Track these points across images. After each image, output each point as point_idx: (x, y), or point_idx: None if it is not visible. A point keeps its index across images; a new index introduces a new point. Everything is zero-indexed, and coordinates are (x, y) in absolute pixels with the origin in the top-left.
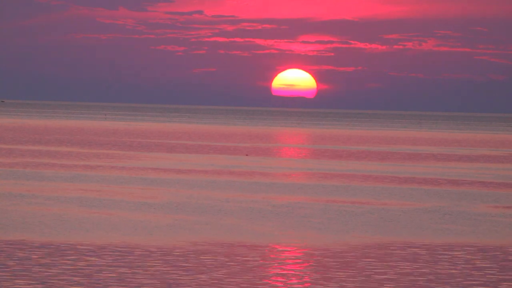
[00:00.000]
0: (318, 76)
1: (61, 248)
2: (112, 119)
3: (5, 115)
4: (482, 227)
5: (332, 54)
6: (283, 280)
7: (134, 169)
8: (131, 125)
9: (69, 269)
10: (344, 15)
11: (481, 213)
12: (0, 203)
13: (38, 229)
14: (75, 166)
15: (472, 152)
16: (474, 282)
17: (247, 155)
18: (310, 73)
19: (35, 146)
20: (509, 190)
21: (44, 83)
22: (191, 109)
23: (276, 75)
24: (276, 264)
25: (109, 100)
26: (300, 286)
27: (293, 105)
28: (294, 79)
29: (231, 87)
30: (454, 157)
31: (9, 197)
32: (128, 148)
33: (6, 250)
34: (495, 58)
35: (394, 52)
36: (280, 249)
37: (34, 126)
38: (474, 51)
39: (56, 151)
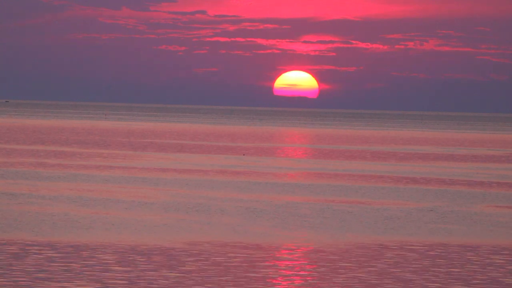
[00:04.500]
0: (319, 76)
1: (60, 247)
2: (112, 119)
3: (6, 115)
4: (480, 227)
5: (334, 54)
6: (280, 279)
7: (133, 169)
8: (131, 125)
9: (67, 268)
10: (346, 15)
11: (479, 212)
12: None
13: (37, 229)
14: (74, 166)
15: (471, 152)
16: (472, 282)
17: (244, 154)
18: (311, 73)
19: (35, 146)
20: (508, 190)
21: (45, 83)
22: (192, 109)
23: (277, 75)
24: (273, 264)
25: (109, 100)
26: (297, 285)
27: (295, 105)
28: (296, 79)
29: (233, 87)
30: (454, 157)
31: (8, 196)
32: (127, 148)
33: (5, 249)
34: (497, 58)
35: (396, 52)
36: (277, 248)
37: (34, 126)
38: (476, 51)
39: (56, 151)
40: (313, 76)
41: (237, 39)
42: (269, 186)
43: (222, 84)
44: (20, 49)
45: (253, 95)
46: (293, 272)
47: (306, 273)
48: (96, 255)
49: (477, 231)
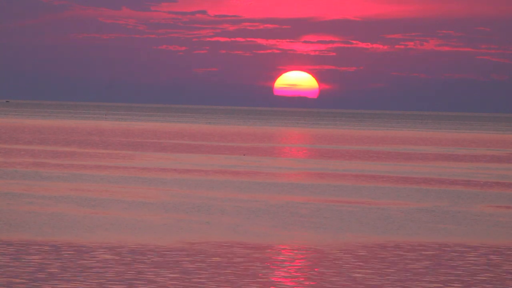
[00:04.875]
0: (319, 76)
1: (60, 247)
2: (112, 119)
3: (6, 115)
4: (480, 227)
5: (334, 54)
6: (279, 279)
7: (133, 169)
8: (131, 125)
9: (67, 269)
10: (346, 15)
11: (479, 212)
12: None
13: (37, 229)
14: (74, 166)
15: (471, 152)
16: (472, 282)
17: (244, 154)
18: (312, 73)
19: (34, 146)
20: (508, 190)
21: (45, 83)
22: (192, 109)
23: (277, 75)
24: (273, 264)
25: (109, 100)
26: (297, 285)
27: (295, 105)
28: (296, 79)
29: (233, 87)
30: (454, 157)
31: (8, 196)
32: (127, 148)
33: (4, 249)
34: (497, 58)
35: (396, 52)
36: (277, 248)
37: (34, 126)
38: (476, 51)
39: (55, 151)
40: (313, 76)
41: (237, 39)
42: (269, 186)
43: (222, 84)
44: (20, 49)
45: (253, 95)
46: (292, 272)
47: (305, 273)
48: (96, 255)
49: (477, 231)
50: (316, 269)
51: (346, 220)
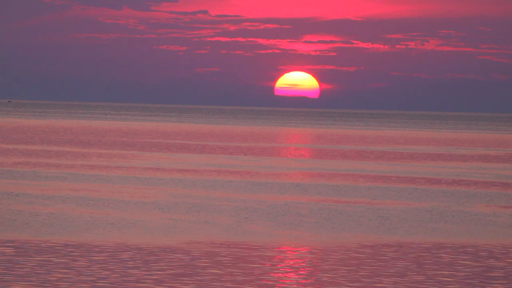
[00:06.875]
0: (320, 76)
1: (60, 247)
2: (112, 119)
3: (7, 115)
4: (480, 227)
5: (335, 54)
6: (279, 279)
7: (133, 169)
8: (131, 125)
9: (67, 268)
10: (347, 15)
11: (479, 212)
12: None
13: (36, 229)
14: (74, 166)
15: (470, 152)
16: (472, 281)
17: (245, 154)
18: (312, 73)
19: (34, 145)
20: (507, 190)
21: (45, 83)
22: (192, 109)
23: (278, 75)
24: (272, 264)
25: (110, 100)
26: (296, 285)
27: (296, 105)
28: (297, 79)
29: (234, 87)
30: (453, 157)
31: (8, 196)
32: (127, 148)
33: (4, 249)
34: (498, 58)
35: (397, 52)
36: (277, 248)
37: (34, 126)
38: (477, 50)
39: (55, 151)
40: (314, 76)
41: (238, 39)
42: (269, 186)
43: (223, 84)
44: (21, 49)
45: (254, 95)
46: (292, 272)
47: (305, 272)
48: (95, 255)
49: (476, 231)
50: (315, 269)
51: (346, 220)
